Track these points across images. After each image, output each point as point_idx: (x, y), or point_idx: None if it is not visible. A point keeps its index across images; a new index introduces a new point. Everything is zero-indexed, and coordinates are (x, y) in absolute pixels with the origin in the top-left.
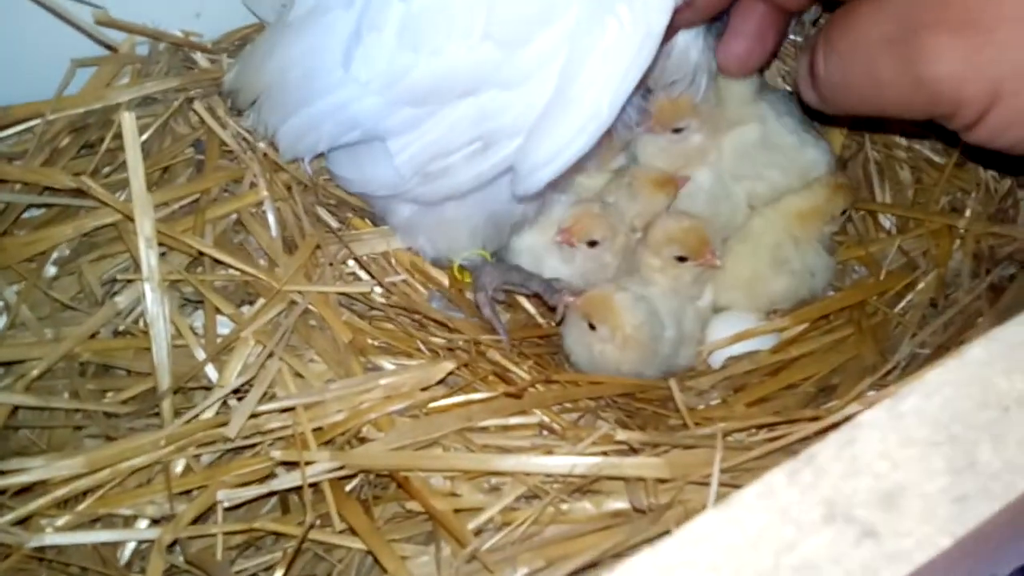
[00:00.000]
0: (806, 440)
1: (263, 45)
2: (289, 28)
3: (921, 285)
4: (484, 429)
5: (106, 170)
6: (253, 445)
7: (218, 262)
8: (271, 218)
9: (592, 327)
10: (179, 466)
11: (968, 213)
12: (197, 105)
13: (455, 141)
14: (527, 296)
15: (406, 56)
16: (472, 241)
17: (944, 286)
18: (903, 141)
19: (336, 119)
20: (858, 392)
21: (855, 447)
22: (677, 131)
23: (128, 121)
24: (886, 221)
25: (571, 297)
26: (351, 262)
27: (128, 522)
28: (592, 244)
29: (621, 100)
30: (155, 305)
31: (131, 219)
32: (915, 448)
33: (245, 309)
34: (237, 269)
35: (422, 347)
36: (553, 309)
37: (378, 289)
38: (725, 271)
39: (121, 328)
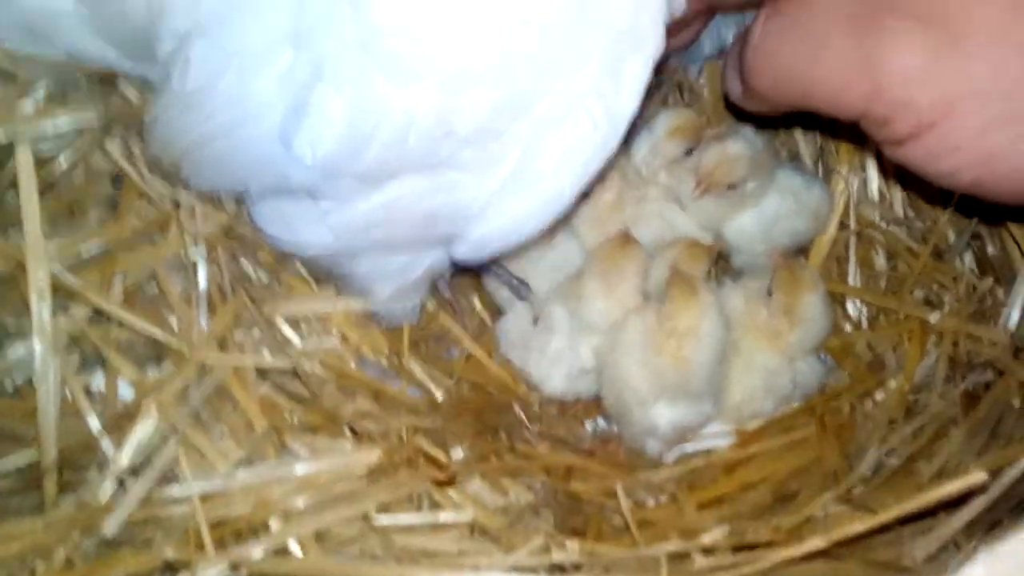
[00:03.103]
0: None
1: (169, 118)
2: (200, 101)
3: (892, 383)
4: (410, 529)
5: (10, 196)
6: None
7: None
8: (196, 274)
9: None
10: (58, 557)
11: (945, 309)
12: (109, 145)
13: (400, 212)
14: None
15: (358, 142)
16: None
17: (915, 389)
18: (881, 223)
19: (265, 182)
20: (819, 505)
21: None
22: (732, 186)
23: (24, 159)
24: (853, 309)
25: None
26: (283, 325)
27: None
28: None
29: (583, 185)
30: (44, 365)
31: (23, 267)
32: None
33: (153, 371)
34: (142, 332)
35: (346, 430)
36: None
37: (306, 351)
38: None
39: (9, 387)
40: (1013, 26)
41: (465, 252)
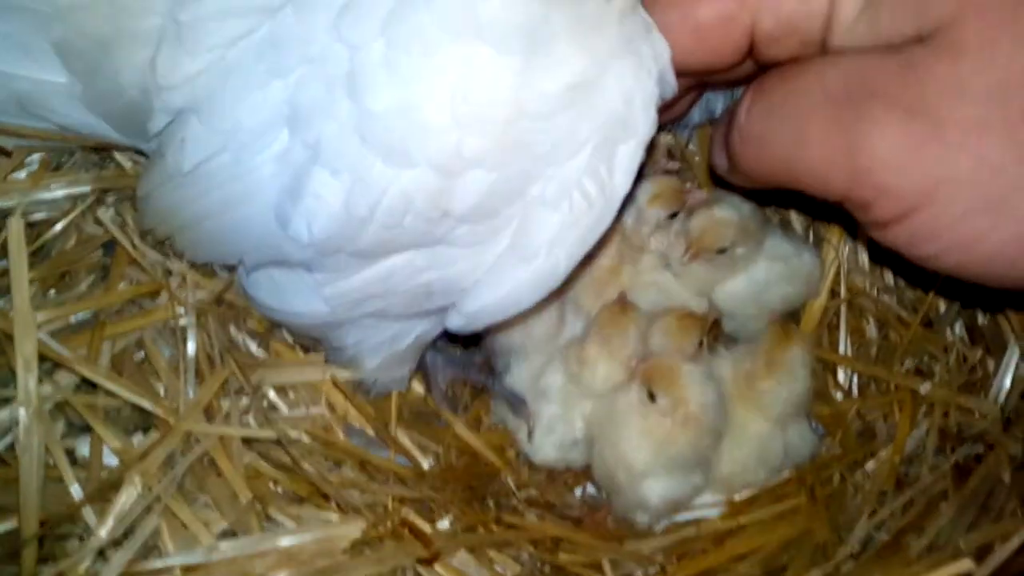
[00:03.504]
0: None
1: (163, 194)
2: (195, 179)
3: (882, 454)
4: None
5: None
6: None
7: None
8: (185, 342)
9: (652, 397)
10: None
11: (936, 380)
12: (102, 213)
13: (395, 285)
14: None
15: (355, 224)
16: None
17: (905, 460)
18: (872, 292)
19: (260, 257)
20: None
21: None
22: (721, 251)
23: (16, 229)
24: (843, 377)
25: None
26: (270, 392)
27: None
28: None
29: (578, 260)
30: (28, 436)
31: (10, 337)
32: None
33: (139, 438)
34: (128, 400)
35: (332, 501)
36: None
37: (293, 419)
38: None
39: None
40: (994, 115)
41: (459, 323)
